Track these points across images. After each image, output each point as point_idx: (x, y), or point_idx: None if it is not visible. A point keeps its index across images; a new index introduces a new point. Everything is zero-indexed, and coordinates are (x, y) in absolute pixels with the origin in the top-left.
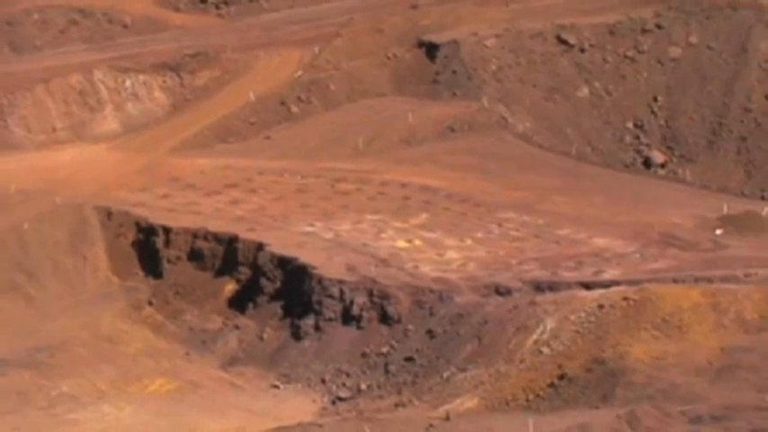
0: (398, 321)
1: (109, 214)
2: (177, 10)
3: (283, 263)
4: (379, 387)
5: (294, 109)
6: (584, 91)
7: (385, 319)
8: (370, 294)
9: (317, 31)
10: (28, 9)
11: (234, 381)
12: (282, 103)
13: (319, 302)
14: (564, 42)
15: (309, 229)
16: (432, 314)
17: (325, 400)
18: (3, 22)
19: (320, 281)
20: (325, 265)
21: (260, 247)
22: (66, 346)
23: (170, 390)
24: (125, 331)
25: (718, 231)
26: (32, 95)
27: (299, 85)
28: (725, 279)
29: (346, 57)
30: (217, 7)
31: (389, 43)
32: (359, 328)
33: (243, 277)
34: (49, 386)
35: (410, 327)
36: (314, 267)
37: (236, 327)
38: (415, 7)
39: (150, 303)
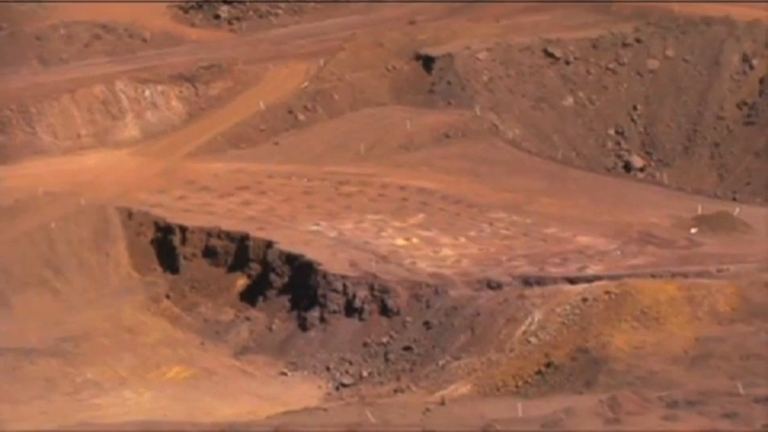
0: (397, 313)
1: (130, 214)
2: (193, 25)
3: (291, 259)
4: (379, 374)
5: (301, 117)
6: (569, 100)
7: (385, 311)
8: (371, 288)
9: (322, 45)
10: (55, 25)
11: (245, 368)
12: (290, 112)
13: (324, 296)
14: (550, 55)
15: (315, 228)
16: (428, 307)
17: (330, 386)
18: (32, 36)
19: (325, 276)
20: (330, 261)
21: (269, 244)
22: (90, 337)
23: (186, 377)
24: (144, 322)
25: (693, 230)
26: (59, 104)
27: (306, 95)
28: (699, 274)
29: (349, 69)
30: (229, 23)
31: (389, 56)
32: (361, 319)
33: (253, 272)
34: (75, 373)
35: (408, 318)
36: (319, 263)
37: (248, 318)
38: (412, 23)
39: (168, 297)
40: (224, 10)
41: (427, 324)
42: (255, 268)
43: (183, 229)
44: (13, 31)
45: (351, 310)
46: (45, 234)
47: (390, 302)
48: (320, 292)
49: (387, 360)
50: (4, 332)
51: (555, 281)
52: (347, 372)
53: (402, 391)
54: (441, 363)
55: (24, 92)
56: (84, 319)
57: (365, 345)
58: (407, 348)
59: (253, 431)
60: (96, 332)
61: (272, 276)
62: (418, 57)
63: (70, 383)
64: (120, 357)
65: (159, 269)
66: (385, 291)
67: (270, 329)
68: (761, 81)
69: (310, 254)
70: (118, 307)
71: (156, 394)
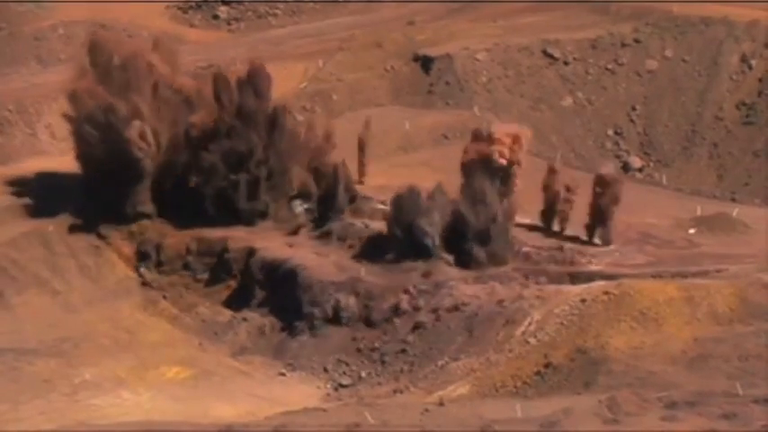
0: (386, 319)
1: None
2: (192, 26)
3: (277, 264)
4: (377, 375)
5: (299, 117)
6: (568, 101)
7: (372, 317)
8: (357, 295)
9: (320, 45)
10: (54, 25)
11: (244, 369)
12: (289, 112)
13: (311, 303)
14: (549, 56)
15: None
16: (424, 308)
17: (329, 386)
18: (30, 37)
19: (311, 282)
20: (317, 266)
21: (251, 252)
22: (89, 337)
23: (185, 377)
24: (143, 323)
25: (692, 231)
26: (57, 105)
27: (304, 96)
28: (698, 275)
29: (348, 69)
30: (228, 24)
31: (388, 57)
32: (347, 326)
33: (241, 277)
34: (74, 374)
35: (397, 321)
36: (305, 268)
37: (245, 319)
38: (411, 24)
39: (165, 297)
40: (223, 10)
41: (420, 326)
42: (245, 272)
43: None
44: (12, 32)
45: (338, 317)
46: (44, 235)
47: (377, 307)
48: (306, 298)
49: (384, 362)
50: (3, 332)
51: (557, 277)
52: (345, 373)
53: (401, 392)
54: (439, 363)
55: (23, 92)
56: (84, 319)
57: (359, 350)
58: (402, 351)
59: (252, 431)
60: (95, 333)
61: (261, 281)
62: (417, 57)
63: (69, 384)
64: (119, 358)
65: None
66: (371, 297)
67: (263, 333)
68: (760, 81)
69: (298, 258)
70: (117, 308)
71: (155, 394)
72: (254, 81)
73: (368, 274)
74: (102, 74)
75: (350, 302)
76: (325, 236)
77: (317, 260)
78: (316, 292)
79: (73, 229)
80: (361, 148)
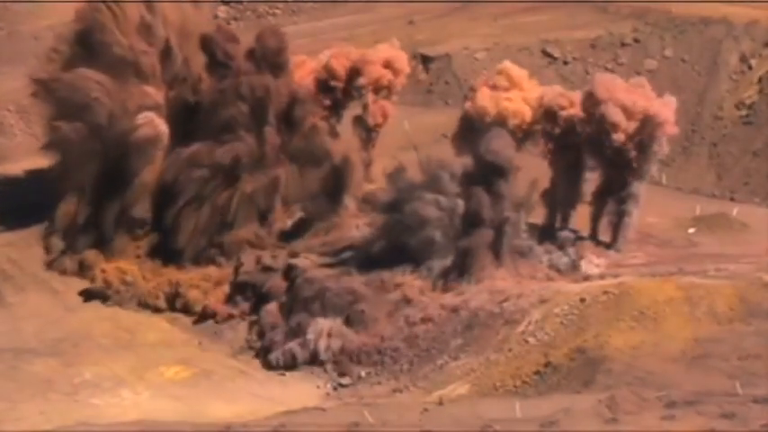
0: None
1: None
2: None
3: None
4: (377, 374)
5: None
6: None
7: (371, 316)
8: (351, 306)
9: (320, 44)
10: (52, 25)
11: (243, 368)
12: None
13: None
14: (549, 55)
15: None
16: (423, 307)
17: (328, 386)
18: (29, 36)
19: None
20: (311, 269)
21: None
22: (88, 336)
23: (185, 376)
24: (142, 322)
25: (691, 230)
26: None
27: None
28: (697, 274)
29: None
30: (227, 23)
31: None
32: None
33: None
34: (73, 373)
35: (396, 321)
36: (304, 270)
37: (243, 319)
38: (411, 23)
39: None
40: (222, 10)
41: (420, 325)
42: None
43: None
44: (11, 31)
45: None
46: (42, 234)
47: (374, 309)
48: (299, 307)
49: (383, 362)
50: (2, 332)
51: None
52: (344, 372)
53: (400, 392)
54: (439, 363)
55: (22, 92)
56: (83, 318)
57: (357, 350)
58: (402, 351)
59: (252, 431)
60: (95, 332)
61: (251, 291)
62: (416, 56)
63: (68, 383)
64: (118, 357)
65: None
66: (367, 300)
67: (261, 334)
68: (759, 81)
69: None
70: (116, 307)
71: (155, 394)
72: (267, 50)
73: (362, 279)
74: (92, 52)
75: (341, 314)
76: (322, 240)
77: (310, 266)
78: (309, 300)
79: (71, 227)
80: (364, 146)
